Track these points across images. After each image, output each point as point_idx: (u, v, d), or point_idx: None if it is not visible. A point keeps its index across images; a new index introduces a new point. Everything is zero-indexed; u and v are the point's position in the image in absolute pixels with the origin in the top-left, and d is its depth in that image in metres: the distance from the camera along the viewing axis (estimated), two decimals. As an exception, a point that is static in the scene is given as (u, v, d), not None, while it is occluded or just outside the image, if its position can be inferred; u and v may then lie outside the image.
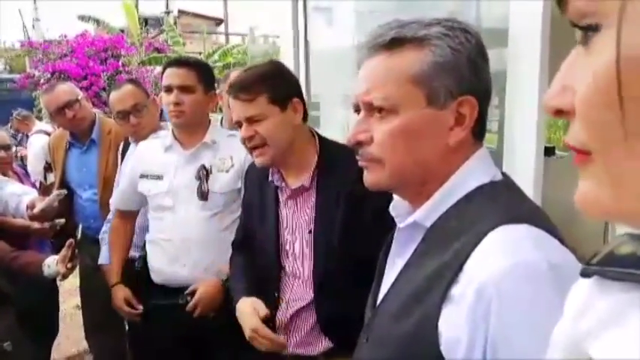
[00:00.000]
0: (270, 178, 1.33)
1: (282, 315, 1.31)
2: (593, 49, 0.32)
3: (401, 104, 0.66)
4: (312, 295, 1.27)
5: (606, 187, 0.32)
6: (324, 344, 1.28)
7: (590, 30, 0.32)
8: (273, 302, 1.31)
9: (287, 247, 1.31)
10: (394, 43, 0.67)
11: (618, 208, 0.32)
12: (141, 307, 1.78)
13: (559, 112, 0.35)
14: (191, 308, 1.63)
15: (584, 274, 0.37)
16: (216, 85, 1.90)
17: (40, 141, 5.23)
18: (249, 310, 1.27)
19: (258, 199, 1.38)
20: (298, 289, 1.30)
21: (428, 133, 0.66)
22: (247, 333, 1.26)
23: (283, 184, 1.31)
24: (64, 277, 1.81)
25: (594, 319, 0.35)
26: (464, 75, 0.65)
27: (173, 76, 1.67)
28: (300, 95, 1.31)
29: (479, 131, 0.69)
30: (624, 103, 0.29)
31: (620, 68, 0.29)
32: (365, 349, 0.76)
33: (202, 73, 1.71)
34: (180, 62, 1.72)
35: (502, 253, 0.57)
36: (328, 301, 1.26)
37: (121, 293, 1.80)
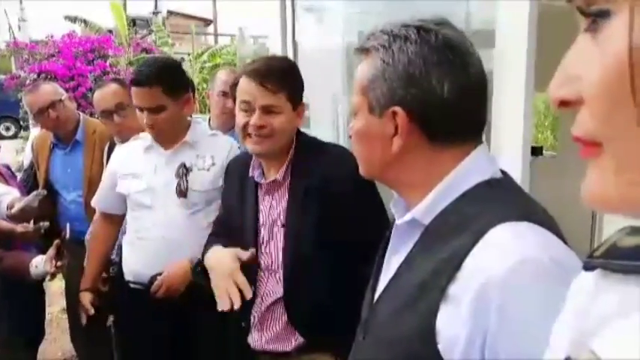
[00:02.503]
0: (251, 173, 1.34)
1: (257, 310, 1.32)
2: (602, 36, 0.31)
3: (356, 110, 0.73)
4: (282, 291, 1.28)
5: (616, 177, 0.31)
6: (297, 340, 1.29)
7: (600, 17, 0.31)
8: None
9: (262, 242, 1.32)
10: (360, 52, 0.73)
11: (629, 198, 0.31)
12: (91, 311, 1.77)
13: (564, 104, 0.34)
14: (156, 287, 1.61)
15: (587, 267, 0.36)
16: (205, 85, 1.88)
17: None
18: (227, 254, 1.25)
19: (237, 194, 1.39)
20: (270, 283, 1.30)
21: (374, 139, 0.71)
22: (220, 279, 1.22)
23: (262, 180, 1.32)
24: (53, 276, 1.79)
25: (598, 312, 0.35)
26: (394, 87, 0.67)
27: (139, 98, 1.59)
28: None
29: (440, 136, 0.68)
30: (637, 91, 0.28)
31: (633, 56, 0.28)
32: (362, 347, 0.75)
33: (168, 83, 1.60)
34: (141, 82, 1.58)
35: (503, 250, 0.57)
36: (297, 296, 1.27)
37: (85, 298, 1.80)
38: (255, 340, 1.33)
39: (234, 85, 1.30)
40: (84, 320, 1.81)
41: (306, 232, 1.24)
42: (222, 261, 1.26)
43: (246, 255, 1.25)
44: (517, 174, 1.13)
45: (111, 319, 2.06)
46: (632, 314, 0.31)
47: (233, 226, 1.38)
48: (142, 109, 1.61)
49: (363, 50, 0.72)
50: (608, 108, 0.31)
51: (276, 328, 1.30)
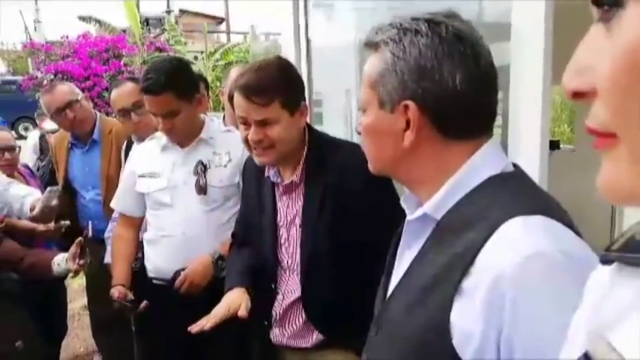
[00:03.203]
0: (266, 174, 1.34)
1: (279, 307, 1.34)
2: (617, 26, 0.30)
3: (366, 106, 0.72)
4: (300, 290, 1.29)
5: (630, 168, 0.31)
6: (315, 337, 1.30)
7: (613, 6, 0.30)
8: (270, 294, 1.34)
9: (282, 241, 1.33)
10: (368, 46, 0.72)
11: None
12: (131, 296, 1.76)
13: (578, 95, 0.34)
14: (179, 283, 1.64)
15: (604, 260, 0.36)
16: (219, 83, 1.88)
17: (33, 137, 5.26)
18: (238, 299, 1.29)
19: (255, 192, 1.40)
20: (291, 282, 1.32)
21: (385, 134, 0.70)
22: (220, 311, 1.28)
23: (279, 180, 1.33)
24: (76, 273, 1.82)
25: (615, 306, 0.34)
26: (405, 80, 0.66)
27: (152, 105, 1.60)
28: (304, 98, 1.32)
29: (452, 130, 0.67)
30: None
31: None
32: (375, 342, 0.76)
33: (179, 88, 1.59)
34: (152, 90, 1.57)
35: (516, 244, 0.57)
36: (315, 295, 1.28)
37: (116, 290, 1.80)
38: (277, 335, 1.35)
39: (231, 99, 1.28)
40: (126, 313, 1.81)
41: (322, 231, 1.25)
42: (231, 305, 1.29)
43: (242, 312, 1.27)
44: (535, 168, 1.12)
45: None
46: None
47: (253, 224, 1.40)
48: (156, 115, 1.62)
49: (372, 44, 0.70)
50: (622, 99, 0.30)
51: (296, 324, 1.32)
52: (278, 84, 1.22)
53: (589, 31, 0.34)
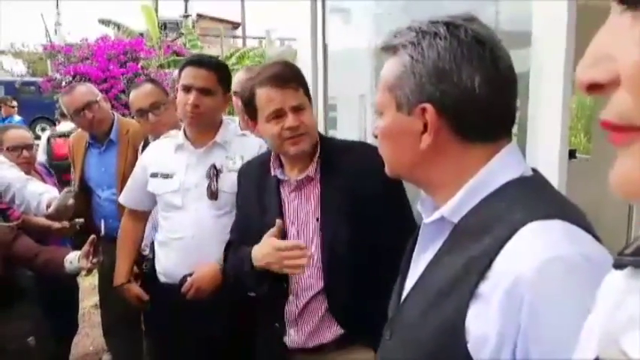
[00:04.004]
0: (273, 173, 1.35)
1: (293, 306, 1.32)
2: None
3: (383, 109, 0.72)
4: (323, 283, 1.28)
5: None
6: (334, 332, 1.29)
7: None
8: (282, 294, 1.32)
9: (291, 237, 1.32)
10: (386, 50, 0.71)
11: None
12: (147, 297, 1.80)
13: (593, 87, 0.33)
14: (186, 289, 1.64)
15: (618, 265, 0.36)
16: None
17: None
18: (262, 242, 1.27)
19: (256, 195, 1.40)
20: (307, 279, 1.31)
21: (402, 137, 0.70)
22: (272, 260, 1.23)
23: (286, 177, 1.34)
24: (89, 271, 1.84)
25: (629, 311, 0.34)
26: (423, 83, 0.66)
27: (194, 76, 1.65)
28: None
29: (470, 132, 0.66)
30: None
31: None
32: (389, 345, 0.75)
33: (222, 75, 1.71)
34: (202, 62, 1.68)
35: (535, 248, 0.56)
36: (339, 287, 1.27)
37: (132, 291, 1.83)
38: (292, 336, 1.33)
39: (247, 102, 1.32)
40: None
41: (341, 223, 1.26)
42: (263, 250, 1.27)
43: (273, 232, 1.27)
44: (554, 176, 1.11)
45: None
46: None
47: (254, 229, 1.37)
48: (190, 89, 1.63)
49: (391, 48, 0.70)
50: None
51: (313, 322, 1.31)
52: (298, 73, 1.32)
53: (608, 22, 0.33)
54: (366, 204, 1.23)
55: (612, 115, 0.32)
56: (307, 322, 1.31)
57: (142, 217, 1.89)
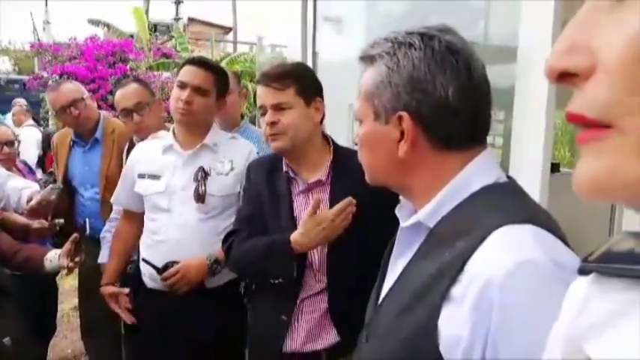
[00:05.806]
0: (285, 169, 1.38)
1: (293, 306, 1.33)
2: (626, 2, 0.28)
3: (362, 117, 0.74)
4: (324, 284, 1.32)
5: (638, 158, 0.28)
6: (330, 337, 1.31)
7: None
8: (282, 291, 1.34)
9: None
10: (364, 60, 0.74)
11: None
12: (126, 290, 1.78)
13: (564, 77, 0.31)
14: (169, 274, 1.61)
15: (582, 271, 0.36)
16: None
17: (32, 133, 5.25)
18: (306, 222, 1.26)
19: (267, 191, 1.40)
20: (311, 280, 1.33)
21: (380, 145, 0.72)
22: (324, 233, 1.24)
23: (297, 177, 1.38)
24: (70, 271, 1.80)
25: (593, 317, 0.34)
26: (399, 92, 0.68)
27: (191, 74, 1.65)
28: (322, 98, 1.40)
29: (445, 140, 0.68)
30: None
31: None
32: (365, 348, 0.76)
33: (220, 79, 1.72)
34: (202, 63, 1.70)
35: (506, 252, 0.57)
36: (340, 290, 1.30)
37: (108, 290, 1.80)
38: (288, 338, 1.33)
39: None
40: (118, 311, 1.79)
41: (348, 227, 1.26)
42: (311, 232, 1.26)
43: (310, 212, 1.26)
44: (536, 190, 1.13)
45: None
46: (627, 319, 0.31)
47: (266, 222, 1.39)
48: (185, 86, 1.63)
49: (368, 58, 0.72)
50: (635, 77, 0.27)
51: (311, 323, 1.32)
52: (293, 73, 1.35)
53: (584, 10, 0.31)
54: (371, 209, 1.23)
55: (585, 107, 0.30)
56: (306, 322, 1.32)
57: (136, 217, 1.84)
